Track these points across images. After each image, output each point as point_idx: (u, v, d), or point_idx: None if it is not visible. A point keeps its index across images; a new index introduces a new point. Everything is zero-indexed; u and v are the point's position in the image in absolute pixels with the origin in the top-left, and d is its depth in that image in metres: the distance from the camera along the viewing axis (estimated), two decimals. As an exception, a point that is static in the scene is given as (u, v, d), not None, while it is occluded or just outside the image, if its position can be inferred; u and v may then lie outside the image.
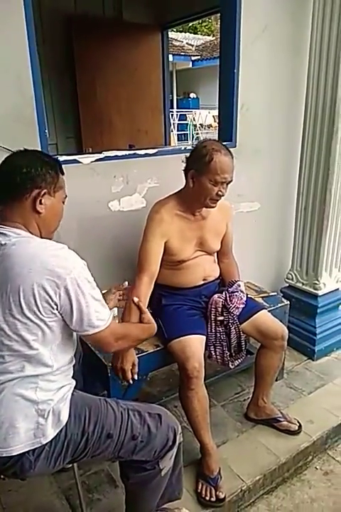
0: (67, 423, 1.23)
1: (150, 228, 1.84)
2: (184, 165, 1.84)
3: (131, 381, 1.72)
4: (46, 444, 1.19)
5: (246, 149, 2.38)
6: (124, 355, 1.70)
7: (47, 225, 1.28)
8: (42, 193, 1.22)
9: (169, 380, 2.46)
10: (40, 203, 1.22)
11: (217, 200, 1.82)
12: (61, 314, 1.18)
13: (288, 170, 2.67)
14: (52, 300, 1.13)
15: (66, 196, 1.35)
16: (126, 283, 1.77)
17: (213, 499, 1.73)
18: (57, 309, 1.16)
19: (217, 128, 2.56)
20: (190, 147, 2.31)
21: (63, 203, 1.34)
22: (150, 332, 1.54)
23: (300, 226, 2.65)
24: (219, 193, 1.78)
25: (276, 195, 2.73)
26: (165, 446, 1.39)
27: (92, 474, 1.89)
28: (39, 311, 1.13)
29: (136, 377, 1.73)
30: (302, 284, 2.70)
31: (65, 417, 1.23)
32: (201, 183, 1.76)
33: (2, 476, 1.84)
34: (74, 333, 1.31)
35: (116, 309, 1.81)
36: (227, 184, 1.79)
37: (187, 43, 15.53)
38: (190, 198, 1.85)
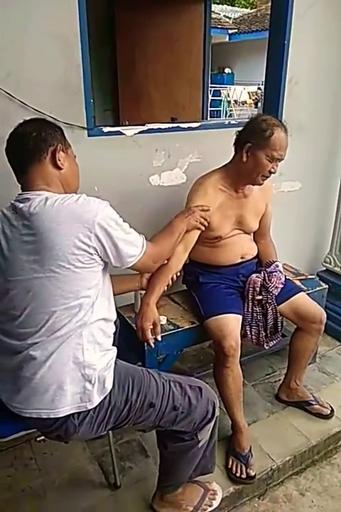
0: (111, 391, 1.26)
1: (193, 200, 1.82)
2: (234, 139, 1.80)
3: (151, 343, 1.66)
4: (91, 409, 1.22)
5: (292, 125, 2.26)
6: (145, 312, 1.65)
7: (69, 182, 1.31)
8: (58, 148, 1.25)
9: (200, 357, 2.47)
10: (59, 160, 1.25)
11: (267, 178, 1.78)
12: (100, 256, 1.21)
13: (334, 149, 2.57)
14: (89, 246, 1.16)
15: (75, 156, 1.36)
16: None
17: (243, 476, 1.74)
18: (96, 253, 1.19)
19: (262, 101, 2.48)
20: (234, 121, 2.27)
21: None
22: (181, 226, 1.65)
23: (343, 208, 2.57)
24: (272, 170, 1.74)
25: (319, 175, 2.64)
26: (204, 419, 1.41)
27: (124, 443, 1.93)
28: (79, 260, 1.16)
29: (159, 338, 1.67)
30: (341, 268, 2.64)
31: (109, 385, 1.26)
32: (256, 157, 1.72)
33: (38, 439, 1.93)
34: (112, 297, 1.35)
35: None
36: (279, 162, 1.75)
37: (224, 16, 15.05)
38: (240, 172, 1.81)
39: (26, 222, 1.16)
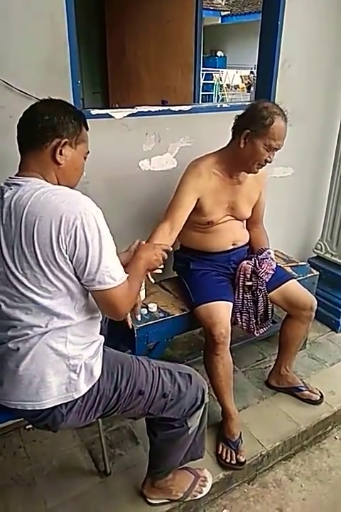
0: (99, 379, 1.24)
1: (185, 181, 1.79)
2: (233, 123, 1.77)
3: (129, 324, 1.66)
4: (78, 398, 1.21)
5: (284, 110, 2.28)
6: None
7: (66, 178, 1.21)
8: (63, 142, 1.16)
9: (190, 344, 2.47)
10: (60, 154, 1.17)
11: (263, 167, 1.76)
12: (72, 262, 1.10)
13: (326, 134, 2.54)
14: (64, 248, 1.07)
15: (88, 152, 1.28)
16: (137, 241, 1.58)
17: (233, 462, 1.75)
18: (69, 258, 1.09)
19: (255, 85, 2.43)
20: (226, 105, 2.22)
21: (85, 158, 1.28)
22: (145, 268, 1.39)
23: (335, 194, 2.54)
24: (268, 159, 1.72)
25: (311, 160, 2.62)
26: (193, 406, 1.41)
27: (114, 430, 1.93)
28: (55, 260, 1.08)
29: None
30: (332, 255, 2.63)
31: (97, 373, 1.24)
32: (254, 145, 1.69)
33: (27, 427, 1.91)
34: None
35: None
36: (276, 152, 1.72)
37: (217, -3, 14.81)
38: (236, 158, 1.78)
39: (10, 210, 1.10)
